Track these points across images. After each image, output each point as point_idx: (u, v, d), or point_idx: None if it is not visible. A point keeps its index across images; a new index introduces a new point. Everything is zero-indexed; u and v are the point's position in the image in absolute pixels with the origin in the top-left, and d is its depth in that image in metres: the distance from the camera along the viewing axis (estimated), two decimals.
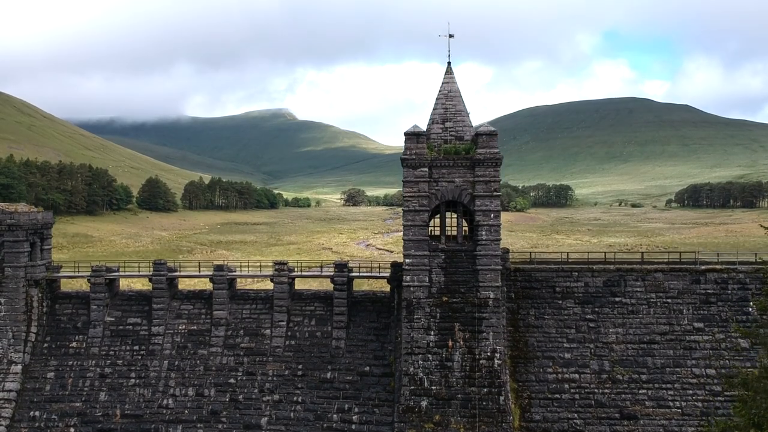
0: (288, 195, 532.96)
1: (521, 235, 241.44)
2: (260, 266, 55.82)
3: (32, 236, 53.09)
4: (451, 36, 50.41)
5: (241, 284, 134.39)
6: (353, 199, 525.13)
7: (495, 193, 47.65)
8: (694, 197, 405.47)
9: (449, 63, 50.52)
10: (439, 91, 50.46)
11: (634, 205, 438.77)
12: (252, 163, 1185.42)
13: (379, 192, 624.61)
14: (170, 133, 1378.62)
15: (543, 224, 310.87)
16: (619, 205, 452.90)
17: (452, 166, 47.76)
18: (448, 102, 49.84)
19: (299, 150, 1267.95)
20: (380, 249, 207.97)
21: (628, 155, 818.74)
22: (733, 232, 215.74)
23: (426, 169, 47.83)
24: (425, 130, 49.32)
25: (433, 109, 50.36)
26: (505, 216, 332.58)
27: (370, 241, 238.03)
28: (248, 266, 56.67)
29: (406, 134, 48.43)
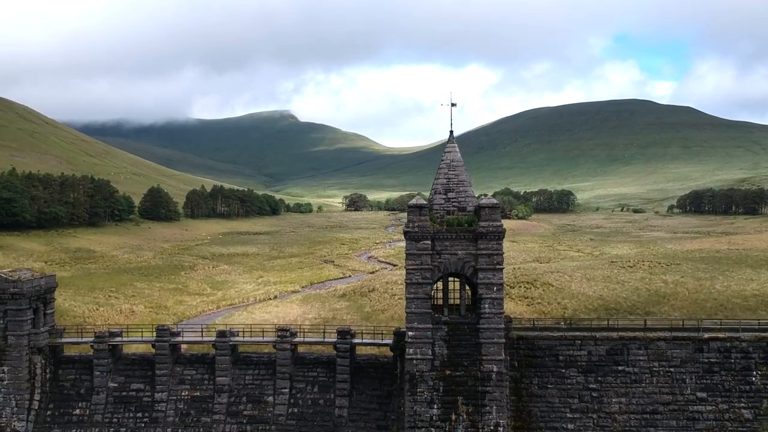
0: (290, 200, 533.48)
1: (523, 246, 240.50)
2: (263, 331, 55.79)
3: (35, 302, 53.16)
4: (453, 105, 50.41)
5: (243, 299, 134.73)
6: (355, 204, 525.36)
7: (498, 266, 47.61)
8: (695, 203, 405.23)
9: (451, 132, 50.51)
10: (441, 160, 50.46)
11: (635, 211, 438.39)
12: (254, 165, 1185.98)
13: (381, 195, 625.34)
14: (173, 136, 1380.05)
15: (545, 233, 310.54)
16: (621, 210, 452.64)
17: (455, 238, 47.74)
18: (451, 171, 49.83)
19: (301, 152, 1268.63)
20: (382, 261, 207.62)
21: (630, 158, 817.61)
22: (735, 245, 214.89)
23: (429, 242, 47.77)
24: (427, 201, 49.38)
25: (436, 179, 50.34)
26: (507, 224, 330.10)
27: (372, 252, 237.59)
28: (251, 331, 56.56)
29: (408, 206, 48.46)
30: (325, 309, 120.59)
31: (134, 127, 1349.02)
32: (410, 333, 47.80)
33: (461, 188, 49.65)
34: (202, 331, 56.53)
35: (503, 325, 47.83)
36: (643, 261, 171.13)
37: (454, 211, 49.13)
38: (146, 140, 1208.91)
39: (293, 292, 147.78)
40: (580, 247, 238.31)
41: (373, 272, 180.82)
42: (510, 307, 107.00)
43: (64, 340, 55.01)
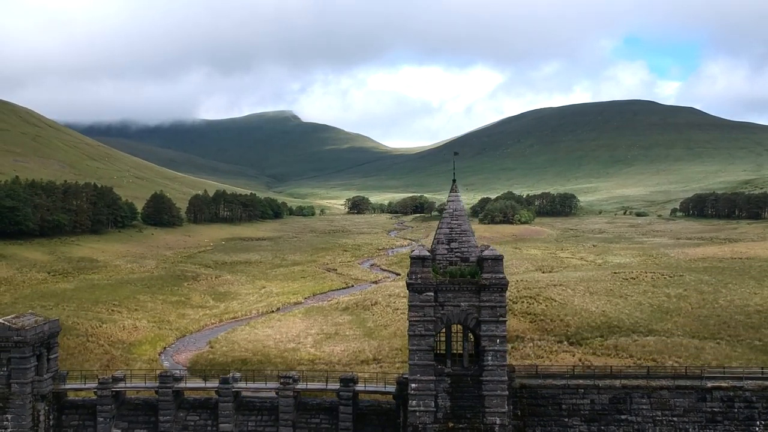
0: (292, 202, 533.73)
1: (526, 254, 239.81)
2: (266, 378, 55.90)
3: (39, 348, 53.23)
4: (455, 154, 50.45)
5: (246, 312, 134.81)
6: (357, 206, 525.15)
7: (501, 318, 47.59)
8: (698, 207, 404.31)
9: (454, 181, 50.47)
10: (444, 209, 50.43)
11: (638, 214, 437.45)
12: (257, 165, 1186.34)
13: (384, 197, 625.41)
14: (177, 137, 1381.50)
15: (547, 238, 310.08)
16: (624, 213, 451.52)
17: (458, 290, 47.72)
18: (454, 221, 49.77)
19: (305, 153, 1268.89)
20: (385, 270, 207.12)
21: (633, 159, 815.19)
22: (739, 253, 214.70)
23: (432, 293, 47.75)
24: (429, 251, 49.31)
25: (439, 228, 50.30)
26: (509, 229, 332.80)
27: (374, 260, 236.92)
28: (254, 377, 56.60)
29: (411, 257, 48.40)
30: (328, 323, 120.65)
31: (139, 129, 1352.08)
32: (413, 385, 47.82)
33: (464, 238, 49.59)
34: (205, 378, 56.61)
35: (506, 377, 47.83)
36: (646, 272, 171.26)
37: (456, 262, 49.06)
38: (150, 141, 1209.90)
39: (296, 303, 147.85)
40: (583, 255, 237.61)
41: (375, 282, 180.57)
42: (513, 324, 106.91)
43: (67, 386, 55.03)
